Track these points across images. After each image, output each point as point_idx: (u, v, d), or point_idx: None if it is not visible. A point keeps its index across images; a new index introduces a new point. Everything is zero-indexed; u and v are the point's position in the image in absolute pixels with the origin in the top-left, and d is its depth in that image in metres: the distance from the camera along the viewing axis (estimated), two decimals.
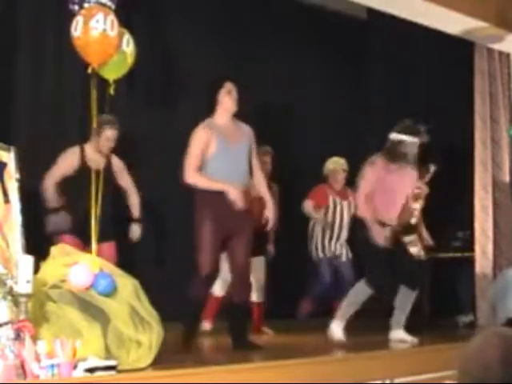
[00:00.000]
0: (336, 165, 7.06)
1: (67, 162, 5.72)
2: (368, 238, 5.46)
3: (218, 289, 6.16)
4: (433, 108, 8.14)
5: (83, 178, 5.49)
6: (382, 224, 5.44)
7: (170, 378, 3.67)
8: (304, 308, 7.03)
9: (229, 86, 5.01)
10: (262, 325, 6.42)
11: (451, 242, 7.61)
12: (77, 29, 4.60)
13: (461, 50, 7.29)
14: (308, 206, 7.02)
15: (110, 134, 5.81)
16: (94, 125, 5.22)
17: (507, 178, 7.26)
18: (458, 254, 7.47)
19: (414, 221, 6.70)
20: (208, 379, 3.77)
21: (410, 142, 5.49)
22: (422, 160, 5.71)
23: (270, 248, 6.75)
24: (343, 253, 7.02)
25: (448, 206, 7.83)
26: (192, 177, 4.91)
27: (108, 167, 5.85)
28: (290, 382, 4.12)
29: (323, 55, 8.56)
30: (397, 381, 4.60)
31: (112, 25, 4.62)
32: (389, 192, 5.47)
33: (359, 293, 5.46)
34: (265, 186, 5.23)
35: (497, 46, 7.24)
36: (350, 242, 7.01)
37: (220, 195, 4.89)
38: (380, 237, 5.40)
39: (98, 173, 5.52)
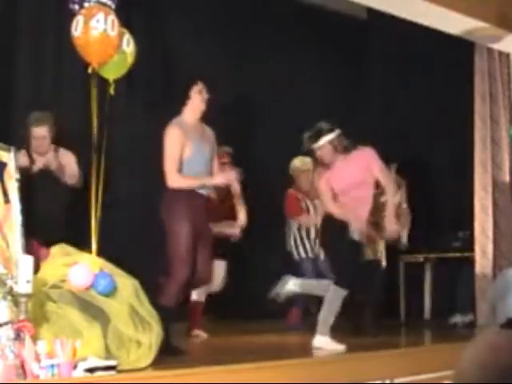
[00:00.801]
0: (302, 164, 6.98)
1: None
2: (339, 236, 5.38)
3: (200, 294, 6.07)
4: (433, 108, 8.15)
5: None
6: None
7: (170, 378, 3.67)
8: (292, 319, 6.98)
9: (200, 85, 5.00)
10: (197, 326, 6.12)
11: (451, 242, 7.61)
12: (77, 28, 4.58)
13: (461, 50, 7.29)
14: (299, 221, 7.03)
15: (36, 133, 5.64)
16: (94, 124, 5.17)
17: (507, 179, 7.25)
18: (458, 254, 7.47)
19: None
20: (208, 379, 3.77)
21: (317, 146, 5.39)
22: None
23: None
24: (321, 252, 6.95)
25: (448, 206, 7.84)
26: (176, 181, 4.84)
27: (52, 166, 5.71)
28: (290, 382, 4.12)
29: (323, 55, 8.56)
30: (397, 381, 4.60)
31: (112, 25, 4.61)
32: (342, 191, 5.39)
33: (333, 299, 5.18)
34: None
35: (497, 46, 7.23)
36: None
37: (191, 195, 4.85)
38: (358, 231, 5.29)
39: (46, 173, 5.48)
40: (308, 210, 7.04)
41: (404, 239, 7.26)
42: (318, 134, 5.39)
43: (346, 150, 5.43)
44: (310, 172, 6.84)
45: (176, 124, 4.95)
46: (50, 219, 5.48)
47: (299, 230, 7.07)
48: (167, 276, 4.78)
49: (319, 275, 6.85)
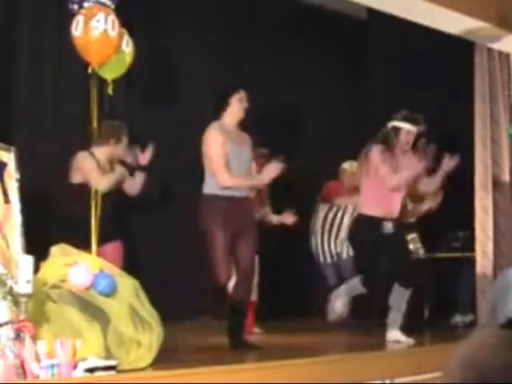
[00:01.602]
0: (350, 166, 7.09)
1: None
2: (363, 236, 5.44)
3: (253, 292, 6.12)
4: (433, 108, 8.14)
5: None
6: (380, 219, 5.41)
7: (170, 378, 3.67)
8: None
9: (242, 94, 5.14)
10: (253, 325, 6.33)
11: (451, 242, 7.60)
12: (77, 28, 4.58)
13: (461, 49, 7.29)
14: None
15: (126, 142, 5.72)
16: (94, 125, 5.17)
17: (507, 178, 7.25)
18: (458, 254, 7.47)
19: (416, 216, 6.71)
20: (208, 379, 3.77)
21: (408, 129, 5.48)
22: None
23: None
24: (343, 250, 7.00)
25: (448, 206, 7.83)
26: (228, 180, 4.97)
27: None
28: (290, 382, 4.12)
29: (323, 55, 8.56)
30: (397, 381, 4.60)
31: (113, 25, 4.61)
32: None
33: (398, 302, 5.45)
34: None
35: (497, 46, 7.23)
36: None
37: (226, 198, 4.96)
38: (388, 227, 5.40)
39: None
40: (335, 208, 7.05)
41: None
42: (415, 120, 5.50)
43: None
44: (355, 175, 6.94)
45: (216, 127, 5.08)
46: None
47: (325, 219, 7.06)
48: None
49: (341, 275, 6.88)
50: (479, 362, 1.49)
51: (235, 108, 5.12)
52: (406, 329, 5.57)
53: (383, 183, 5.41)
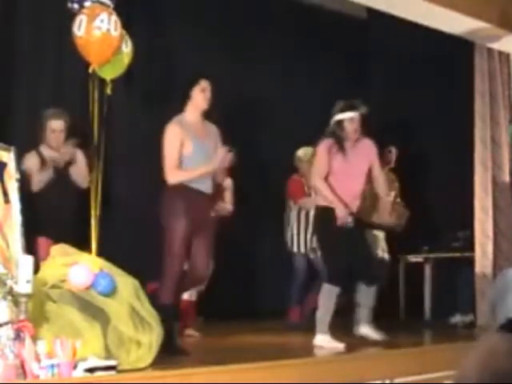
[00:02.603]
0: (304, 155, 7.01)
1: (28, 166, 5.65)
2: (327, 230, 5.39)
3: (191, 293, 6.05)
4: (433, 108, 8.15)
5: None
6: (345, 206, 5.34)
7: (170, 378, 3.67)
8: (293, 317, 6.97)
9: (204, 84, 4.99)
10: (190, 326, 6.13)
11: (451, 242, 7.60)
12: (80, 28, 4.55)
13: (461, 49, 7.29)
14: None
15: (54, 125, 5.73)
16: (95, 125, 5.16)
17: (507, 179, 7.25)
18: (458, 254, 7.47)
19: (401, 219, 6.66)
20: (208, 379, 3.77)
21: (351, 117, 5.47)
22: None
23: None
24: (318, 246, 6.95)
25: (448, 206, 7.83)
26: (176, 176, 4.87)
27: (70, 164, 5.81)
28: (290, 382, 4.12)
29: (323, 55, 8.55)
30: (397, 381, 4.60)
31: (115, 25, 4.60)
32: (344, 175, 5.39)
33: (327, 297, 5.27)
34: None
35: (497, 46, 7.23)
36: None
37: (192, 190, 4.86)
38: (344, 216, 5.28)
39: (60, 170, 5.52)
40: (310, 195, 7.02)
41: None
42: (352, 107, 5.48)
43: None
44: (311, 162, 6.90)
45: (175, 122, 4.96)
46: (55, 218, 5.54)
47: (299, 215, 7.06)
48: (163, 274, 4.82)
49: (312, 272, 6.87)
50: (494, 366, 1.51)
51: (197, 100, 4.97)
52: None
53: (339, 177, 5.38)
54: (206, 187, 4.97)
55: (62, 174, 5.78)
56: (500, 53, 7.33)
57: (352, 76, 8.67)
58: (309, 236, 6.99)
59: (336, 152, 5.42)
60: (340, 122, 5.49)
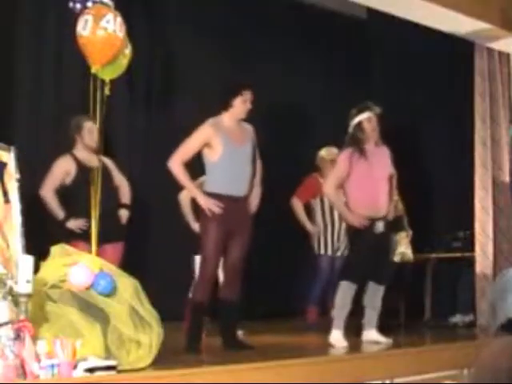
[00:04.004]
0: (328, 154, 6.99)
1: (63, 170, 5.69)
2: (360, 236, 5.42)
3: None
4: (433, 108, 8.14)
5: (82, 183, 5.44)
6: (371, 219, 5.38)
7: (170, 378, 3.67)
8: (310, 318, 6.96)
9: (247, 96, 5.03)
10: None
11: (451, 242, 7.60)
12: (86, 28, 4.54)
13: (461, 49, 7.29)
14: (297, 205, 7.01)
15: (90, 126, 5.70)
16: (97, 125, 5.14)
17: (507, 178, 7.25)
18: (458, 254, 7.47)
19: (398, 212, 6.69)
20: (208, 379, 3.77)
21: (368, 117, 5.57)
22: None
23: None
24: (340, 247, 6.97)
25: (448, 206, 7.83)
26: (175, 165, 4.94)
27: (102, 166, 5.82)
28: (290, 382, 4.12)
29: (323, 55, 8.56)
30: (397, 381, 4.60)
31: (120, 26, 4.59)
32: (368, 179, 5.43)
33: (345, 293, 5.36)
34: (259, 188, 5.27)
35: (497, 46, 7.23)
36: None
37: (223, 197, 4.93)
38: (356, 220, 5.36)
39: (93, 173, 5.49)
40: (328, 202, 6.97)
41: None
42: (368, 108, 5.61)
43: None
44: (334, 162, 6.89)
45: (210, 124, 5.01)
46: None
47: (323, 215, 7.01)
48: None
49: (335, 270, 6.83)
50: (509, 366, 1.52)
51: (238, 109, 5.02)
52: (383, 330, 5.53)
53: (364, 183, 5.42)
54: (238, 191, 5.02)
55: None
56: (500, 53, 7.33)
57: (352, 76, 8.67)
58: (335, 237, 6.98)
59: (358, 159, 5.47)
60: (359, 124, 5.57)
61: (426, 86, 8.09)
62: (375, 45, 8.87)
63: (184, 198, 6.22)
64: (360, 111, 5.60)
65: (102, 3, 4.61)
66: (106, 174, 5.60)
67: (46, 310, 3.78)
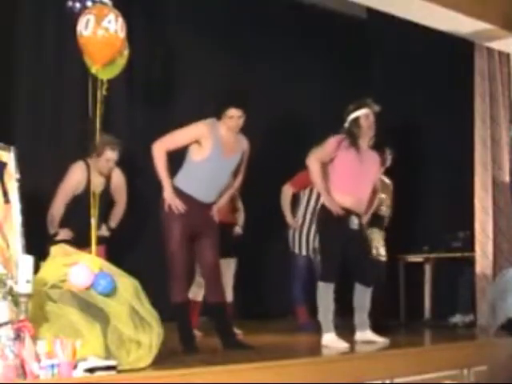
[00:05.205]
0: None
1: (78, 178, 5.71)
2: (324, 228, 5.41)
3: (196, 293, 6.05)
4: (433, 108, 8.15)
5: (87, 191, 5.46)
6: (347, 211, 5.34)
7: (170, 378, 3.67)
8: (301, 318, 6.92)
9: (233, 113, 4.91)
10: (194, 325, 6.24)
11: (451, 242, 7.60)
12: (87, 28, 4.52)
13: (461, 49, 7.29)
14: (286, 193, 6.97)
15: (110, 156, 5.81)
16: (97, 126, 5.15)
17: (507, 178, 7.26)
18: (458, 254, 7.47)
19: (382, 213, 6.67)
20: (208, 379, 3.77)
21: (366, 113, 5.53)
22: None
23: None
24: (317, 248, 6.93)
25: (448, 206, 7.83)
26: (159, 149, 4.90)
27: (107, 187, 5.89)
28: (290, 382, 4.12)
29: (323, 55, 8.56)
30: (397, 381, 4.60)
31: (122, 26, 4.59)
32: (355, 172, 5.40)
33: (324, 294, 5.30)
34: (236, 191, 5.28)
35: (497, 46, 7.24)
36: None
37: (192, 199, 4.90)
38: (333, 204, 5.31)
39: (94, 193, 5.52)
40: (315, 198, 6.89)
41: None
42: (366, 105, 5.59)
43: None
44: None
45: (207, 123, 4.95)
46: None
47: (304, 216, 6.99)
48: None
49: (314, 273, 6.83)
50: None
51: (231, 124, 4.94)
52: (383, 330, 5.52)
53: (348, 172, 5.40)
54: (207, 197, 4.98)
55: None
56: (500, 53, 7.33)
57: (351, 76, 8.67)
58: (311, 237, 6.96)
59: (348, 147, 5.43)
60: (356, 120, 5.53)
61: (426, 86, 8.09)
62: (375, 45, 8.87)
63: None
64: (358, 107, 5.57)
65: (102, 3, 4.60)
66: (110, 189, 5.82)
67: (46, 309, 3.77)
